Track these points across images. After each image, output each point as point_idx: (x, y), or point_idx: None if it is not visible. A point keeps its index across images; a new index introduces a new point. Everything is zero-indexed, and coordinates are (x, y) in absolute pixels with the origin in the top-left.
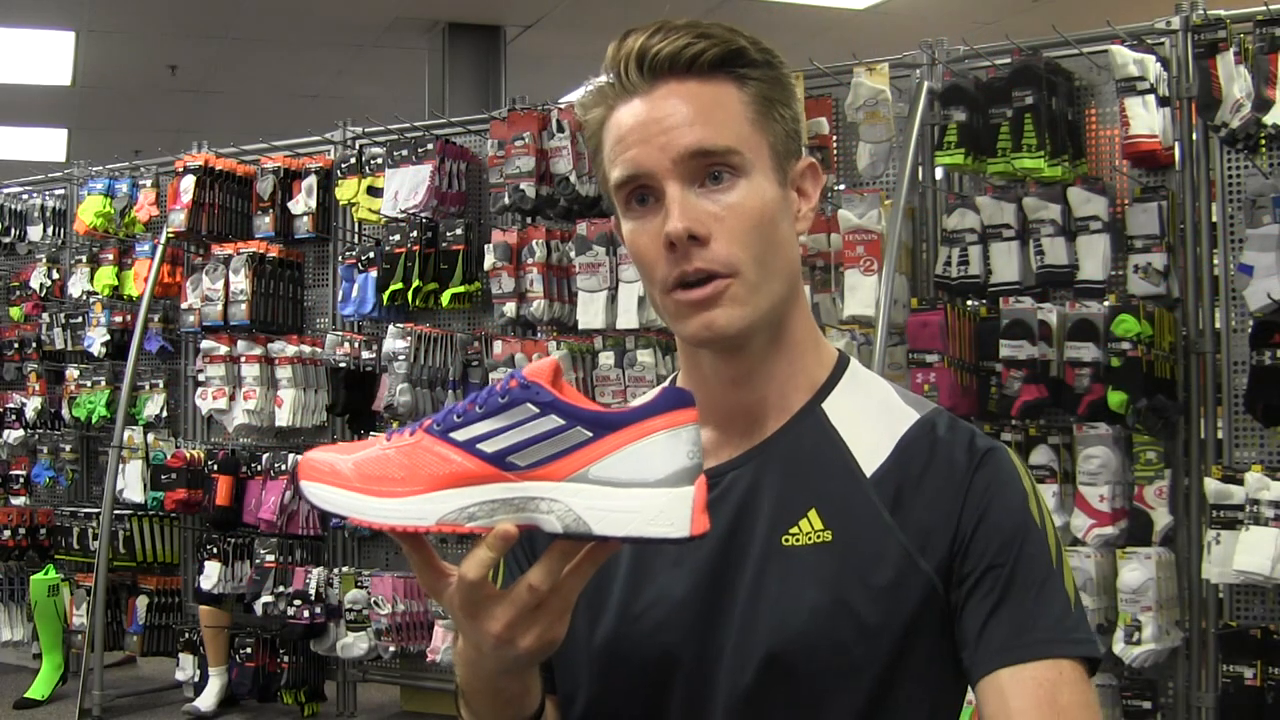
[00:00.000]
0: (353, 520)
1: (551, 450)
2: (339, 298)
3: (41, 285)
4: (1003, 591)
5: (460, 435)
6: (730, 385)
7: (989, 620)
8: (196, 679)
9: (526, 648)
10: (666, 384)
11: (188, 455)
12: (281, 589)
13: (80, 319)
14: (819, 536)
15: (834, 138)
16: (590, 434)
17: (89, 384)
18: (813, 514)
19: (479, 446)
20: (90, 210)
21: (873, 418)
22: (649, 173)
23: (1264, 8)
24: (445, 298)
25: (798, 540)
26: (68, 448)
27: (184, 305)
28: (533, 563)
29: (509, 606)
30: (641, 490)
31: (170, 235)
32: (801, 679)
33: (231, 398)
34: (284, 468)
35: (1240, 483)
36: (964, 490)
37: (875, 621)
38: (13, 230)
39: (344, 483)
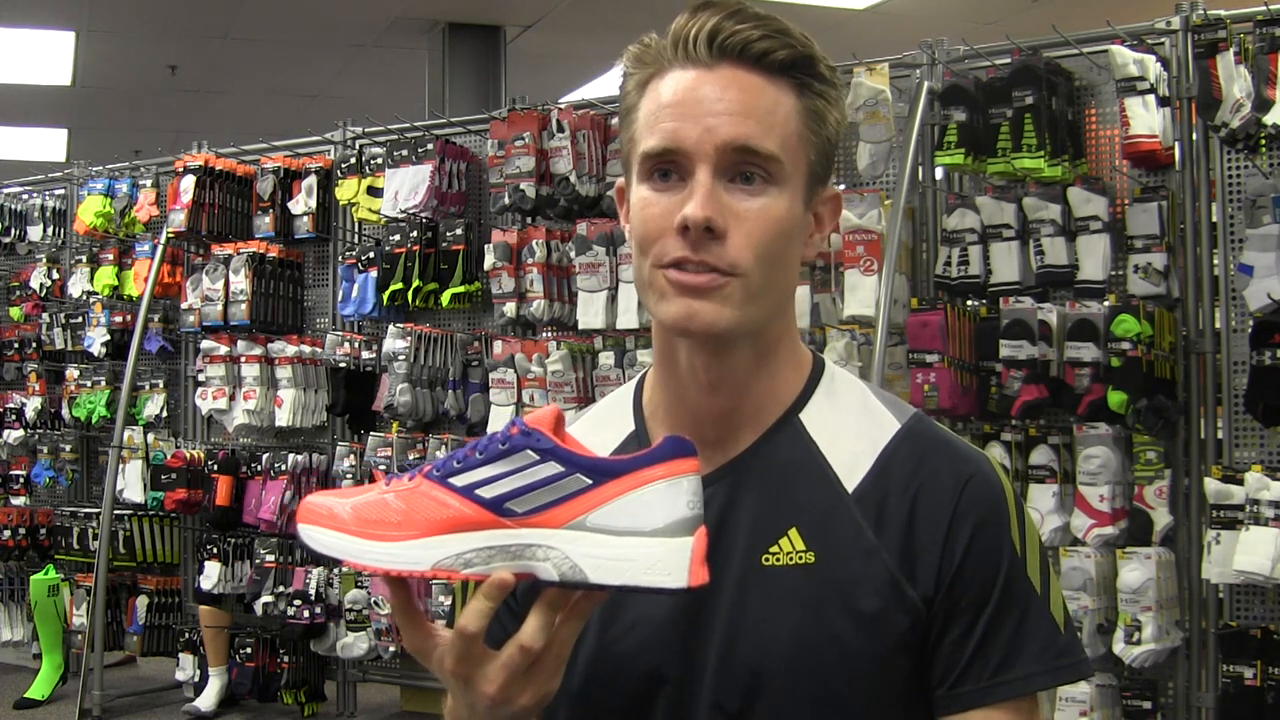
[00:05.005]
0: (347, 564)
1: (550, 497)
2: (339, 298)
3: (41, 285)
4: (983, 631)
5: (459, 480)
6: (706, 387)
7: (965, 659)
8: (196, 679)
9: (524, 705)
10: (638, 378)
11: (188, 455)
12: (281, 589)
13: (80, 319)
14: (801, 558)
15: None
16: (589, 481)
17: (89, 384)
18: (793, 533)
19: (477, 492)
20: (90, 210)
21: (852, 428)
22: (685, 151)
23: (1264, 8)
24: (445, 298)
25: (778, 560)
26: (68, 448)
27: (184, 305)
28: (512, 604)
29: (502, 669)
30: (639, 539)
31: (170, 235)
32: (785, 702)
33: (231, 398)
34: (284, 468)
35: (1240, 483)
36: (950, 515)
37: (860, 647)
38: (13, 230)
39: (341, 526)
